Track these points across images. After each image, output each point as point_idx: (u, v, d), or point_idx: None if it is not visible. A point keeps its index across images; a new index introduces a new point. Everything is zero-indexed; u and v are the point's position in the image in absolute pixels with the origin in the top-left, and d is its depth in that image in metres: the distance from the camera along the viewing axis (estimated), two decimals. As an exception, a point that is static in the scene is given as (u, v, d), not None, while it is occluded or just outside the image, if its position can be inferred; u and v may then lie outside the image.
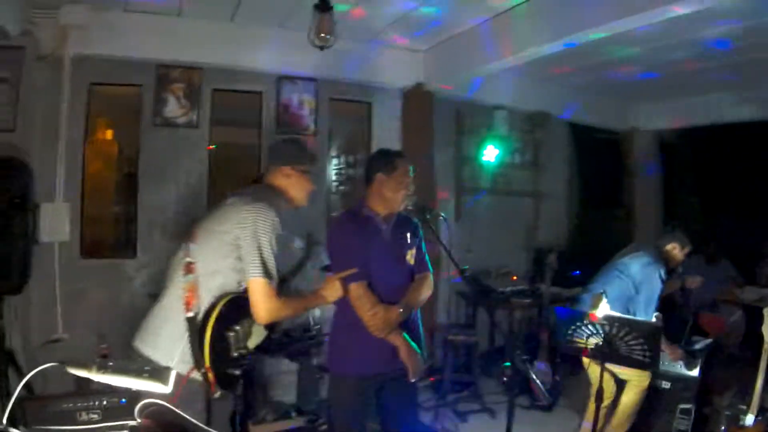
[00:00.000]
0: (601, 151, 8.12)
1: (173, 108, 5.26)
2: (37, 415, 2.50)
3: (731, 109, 6.98)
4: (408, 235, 3.07)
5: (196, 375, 2.36)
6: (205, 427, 1.43)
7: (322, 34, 4.02)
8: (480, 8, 4.90)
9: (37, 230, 4.49)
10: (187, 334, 2.39)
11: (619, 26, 4.09)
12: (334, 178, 8.24)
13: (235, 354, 2.41)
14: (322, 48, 4.09)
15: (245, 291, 2.48)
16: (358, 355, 2.96)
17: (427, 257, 3.15)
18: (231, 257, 2.46)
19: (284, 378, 4.89)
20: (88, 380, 1.88)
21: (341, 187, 8.13)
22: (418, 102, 6.11)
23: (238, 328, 2.43)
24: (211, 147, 5.51)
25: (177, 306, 2.44)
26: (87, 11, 4.68)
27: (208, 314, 2.37)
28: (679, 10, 3.68)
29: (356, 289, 2.89)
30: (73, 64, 4.83)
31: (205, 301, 2.42)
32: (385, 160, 3.05)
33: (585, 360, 4.06)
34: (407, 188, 3.00)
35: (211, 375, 2.32)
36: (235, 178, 6.45)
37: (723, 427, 3.55)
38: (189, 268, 2.45)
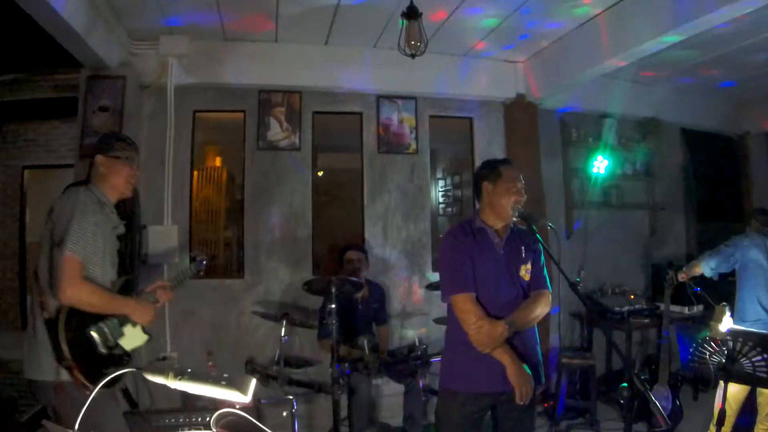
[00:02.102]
0: (716, 158, 7.63)
1: (276, 131, 5.37)
2: (139, 429, 2.56)
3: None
4: (523, 248, 2.91)
5: (66, 375, 2.35)
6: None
7: (412, 42, 3.93)
8: (573, 14, 4.72)
9: (145, 251, 4.65)
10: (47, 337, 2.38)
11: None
12: (441, 199, 8.13)
13: (104, 351, 2.42)
14: (413, 56, 3.99)
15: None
16: (468, 372, 2.82)
17: (545, 274, 2.97)
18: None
19: (391, 400, 4.80)
20: (194, 397, 1.85)
21: (448, 209, 8.00)
22: (520, 114, 5.93)
23: (101, 324, 2.44)
24: (319, 173, 5.57)
25: (37, 312, 2.46)
26: (186, 41, 4.89)
27: (58, 311, 2.36)
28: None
29: (461, 301, 2.77)
30: (175, 92, 5.03)
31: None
32: (491, 168, 2.95)
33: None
34: (517, 194, 2.84)
35: (77, 372, 2.31)
36: (338, 199, 6.52)
37: None
38: (36, 275, 2.50)
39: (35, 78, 5.61)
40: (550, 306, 2.92)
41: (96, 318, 2.45)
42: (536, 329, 2.95)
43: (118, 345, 2.51)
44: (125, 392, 4.06)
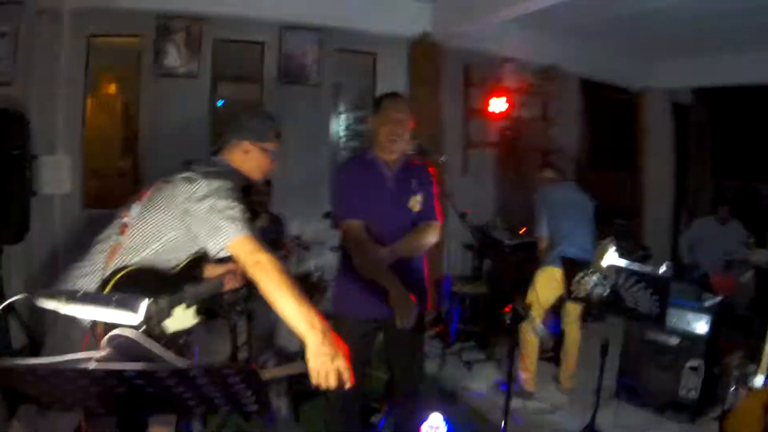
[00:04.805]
0: (613, 110, 7.96)
1: (173, 58, 5.17)
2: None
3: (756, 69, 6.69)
4: (413, 181, 2.98)
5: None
6: (174, 358, 1.33)
7: None
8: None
9: (37, 182, 4.47)
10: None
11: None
12: (342, 133, 8.15)
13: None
14: None
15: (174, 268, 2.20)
16: (357, 297, 2.90)
17: (434, 206, 3.05)
18: (172, 232, 2.17)
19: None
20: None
21: (350, 143, 8.03)
22: (424, 53, 5.97)
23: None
24: (218, 103, 5.46)
25: (99, 262, 2.17)
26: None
27: (107, 281, 2.07)
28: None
29: (348, 227, 2.85)
30: (72, 16, 4.77)
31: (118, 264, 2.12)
32: (377, 101, 3.00)
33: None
34: (393, 125, 2.86)
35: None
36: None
37: (732, 387, 3.45)
38: (122, 230, 2.20)
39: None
40: (438, 236, 3.00)
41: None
42: (423, 259, 3.05)
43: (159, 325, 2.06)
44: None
